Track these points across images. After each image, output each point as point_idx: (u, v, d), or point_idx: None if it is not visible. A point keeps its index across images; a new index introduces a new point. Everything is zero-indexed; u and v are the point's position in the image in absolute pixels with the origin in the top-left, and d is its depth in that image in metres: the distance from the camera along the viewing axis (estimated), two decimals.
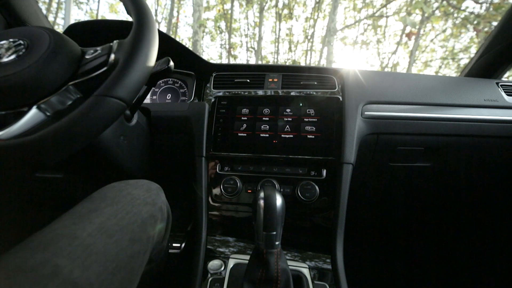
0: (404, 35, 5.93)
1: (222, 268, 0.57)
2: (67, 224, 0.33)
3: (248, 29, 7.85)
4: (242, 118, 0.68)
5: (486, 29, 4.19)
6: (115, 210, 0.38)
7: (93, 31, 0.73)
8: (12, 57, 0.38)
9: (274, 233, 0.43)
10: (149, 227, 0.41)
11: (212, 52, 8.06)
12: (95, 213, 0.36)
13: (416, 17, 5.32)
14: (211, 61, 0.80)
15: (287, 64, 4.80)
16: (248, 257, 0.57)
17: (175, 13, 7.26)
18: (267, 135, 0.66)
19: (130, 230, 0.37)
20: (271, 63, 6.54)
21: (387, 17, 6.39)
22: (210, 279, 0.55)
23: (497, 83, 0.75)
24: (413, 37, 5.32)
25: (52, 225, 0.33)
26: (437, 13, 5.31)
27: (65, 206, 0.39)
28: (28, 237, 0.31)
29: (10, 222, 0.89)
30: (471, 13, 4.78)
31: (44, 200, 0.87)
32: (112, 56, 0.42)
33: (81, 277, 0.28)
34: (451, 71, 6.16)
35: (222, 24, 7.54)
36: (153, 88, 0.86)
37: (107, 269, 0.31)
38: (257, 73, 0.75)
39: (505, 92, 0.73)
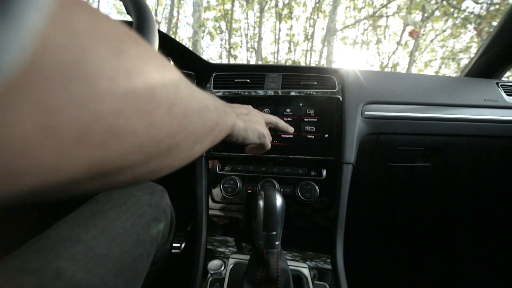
0: (407, 34, 5.92)
1: (222, 268, 0.57)
2: (71, 226, 0.33)
3: (248, 29, 7.85)
4: None
5: (486, 29, 4.20)
6: (119, 212, 0.38)
7: None
8: None
9: (274, 233, 0.43)
10: (153, 229, 0.41)
11: (212, 52, 8.07)
12: (99, 215, 0.36)
13: (416, 17, 5.32)
14: (211, 61, 0.80)
15: (287, 64, 4.80)
16: (248, 257, 0.57)
17: (175, 13, 7.26)
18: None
19: (134, 232, 0.37)
20: (271, 63, 6.55)
21: (387, 17, 6.39)
22: (210, 279, 0.55)
23: (497, 83, 0.75)
24: (416, 35, 5.31)
25: (56, 227, 0.33)
26: (437, 13, 5.32)
27: (66, 207, 0.39)
28: (29, 238, 0.31)
29: (11, 223, 0.89)
30: (471, 13, 4.78)
31: (45, 201, 0.87)
32: None
33: (84, 279, 0.28)
34: (451, 71, 6.16)
35: (222, 24, 7.54)
36: None
37: (111, 271, 0.32)
38: (257, 73, 0.75)
39: (505, 92, 0.73)
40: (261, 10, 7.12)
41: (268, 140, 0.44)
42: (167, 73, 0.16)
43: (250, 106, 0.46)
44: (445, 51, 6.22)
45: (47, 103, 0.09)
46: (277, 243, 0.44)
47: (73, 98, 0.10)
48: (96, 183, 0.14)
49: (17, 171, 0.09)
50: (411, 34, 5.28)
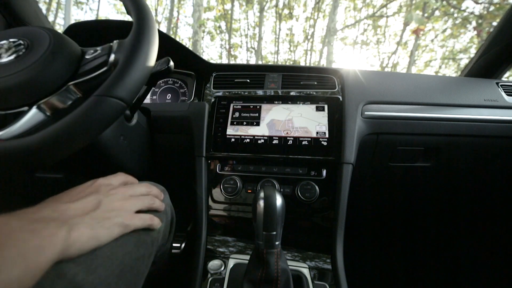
0: (407, 34, 5.92)
1: (222, 268, 0.57)
2: None
3: (248, 29, 7.85)
4: None
5: (487, 29, 4.20)
6: None
7: (93, 31, 0.73)
8: (12, 57, 0.38)
9: (274, 233, 0.43)
10: (153, 230, 0.41)
11: (212, 52, 8.07)
12: None
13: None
14: (211, 61, 0.80)
15: (287, 64, 4.79)
16: (248, 257, 0.57)
17: (175, 13, 7.26)
18: (267, 135, 0.66)
19: (135, 233, 0.37)
20: (271, 63, 6.55)
21: (387, 17, 6.39)
22: (210, 279, 0.55)
23: (497, 83, 0.75)
24: (421, 33, 5.28)
25: None
26: (437, 13, 5.32)
27: None
28: None
29: None
30: (471, 13, 4.78)
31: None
32: (112, 56, 0.42)
33: (86, 280, 0.28)
34: (451, 71, 6.16)
35: (222, 24, 7.54)
36: (153, 88, 0.86)
37: (113, 272, 0.32)
38: (257, 73, 0.75)
39: (505, 92, 0.73)
40: (261, 10, 7.11)
41: (148, 218, 0.37)
42: None
43: (100, 184, 0.36)
44: (445, 51, 6.22)
45: None
46: (277, 243, 0.44)
47: None
48: None
49: None
50: (415, 31, 5.24)
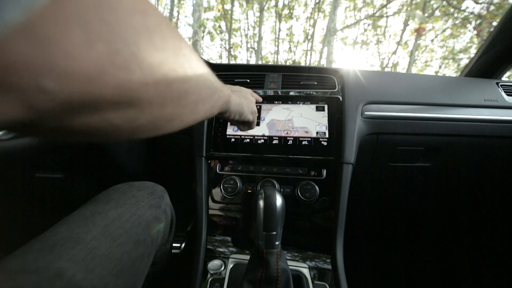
0: (407, 34, 5.91)
1: (222, 268, 0.57)
2: (71, 227, 0.33)
3: (248, 29, 7.85)
4: None
5: (487, 29, 4.19)
6: (120, 212, 0.38)
7: None
8: None
9: (274, 233, 0.43)
10: (153, 229, 0.41)
11: (212, 52, 8.07)
12: (99, 216, 0.36)
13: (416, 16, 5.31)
14: (211, 61, 0.80)
15: (287, 64, 4.79)
16: (248, 257, 0.57)
17: (175, 13, 7.25)
18: (267, 135, 0.66)
19: (134, 233, 0.37)
20: (271, 63, 6.54)
21: (387, 17, 6.39)
22: (210, 279, 0.55)
23: (497, 83, 0.75)
24: (423, 32, 5.28)
25: (57, 227, 0.33)
26: (437, 13, 5.32)
27: (66, 207, 0.39)
28: (29, 238, 0.31)
29: (12, 223, 0.89)
30: (471, 13, 4.78)
31: (45, 201, 0.87)
32: None
33: (84, 279, 0.28)
34: (451, 71, 6.16)
35: (222, 24, 7.54)
36: None
37: (111, 272, 0.32)
38: (257, 73, 0.75)
39: (505, 92, 0.73)
40: (261, 10, 7.11)
41: (256, 118, 0.49)
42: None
43: (241, 87, 0.52)
44: (445, 51, 6.22)
45: (87, 21, 0.12)
46: (277, 243, 0.44)
47: (103, 21, 0.12)
48: (120, 114, 0.16)
49: (64, 73, 0.12)
50: (417, 30, 5.24)
